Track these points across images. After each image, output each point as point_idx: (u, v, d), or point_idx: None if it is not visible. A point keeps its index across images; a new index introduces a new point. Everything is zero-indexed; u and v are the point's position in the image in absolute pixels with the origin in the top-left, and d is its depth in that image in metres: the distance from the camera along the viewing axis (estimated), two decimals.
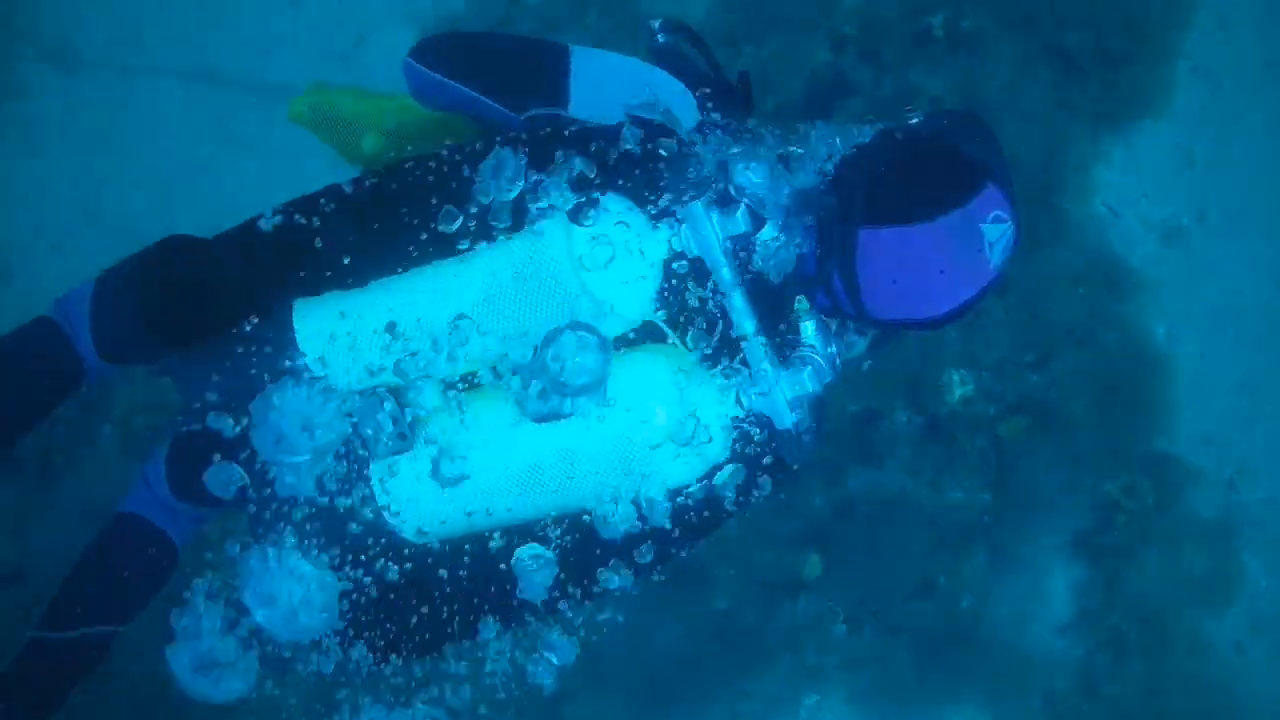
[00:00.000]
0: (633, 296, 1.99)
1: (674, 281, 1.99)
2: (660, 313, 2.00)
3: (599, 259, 1.96)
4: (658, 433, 1.97)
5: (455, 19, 5.10)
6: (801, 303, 2.02)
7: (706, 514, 2.05)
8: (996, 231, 1.92)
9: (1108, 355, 4.73)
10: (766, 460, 2.03)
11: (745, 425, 2.01)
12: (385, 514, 2.01)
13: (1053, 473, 4.66)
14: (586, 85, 2.20)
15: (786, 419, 1.98)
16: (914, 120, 2.04)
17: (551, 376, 1.86)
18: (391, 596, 2.07)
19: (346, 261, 2.04)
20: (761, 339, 1.97)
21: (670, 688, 4.51)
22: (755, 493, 2.06)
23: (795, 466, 2.07)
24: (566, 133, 2.07)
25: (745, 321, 1.97)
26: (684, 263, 1.98)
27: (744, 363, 1.99)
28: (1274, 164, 4.97)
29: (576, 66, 2.21)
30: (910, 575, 4.59)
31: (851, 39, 4.79)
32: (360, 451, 1.98)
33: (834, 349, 2.02)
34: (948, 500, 4.61)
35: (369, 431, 1.96)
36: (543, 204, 1.97)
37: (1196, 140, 4.93)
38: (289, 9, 5.24)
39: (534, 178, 1.97)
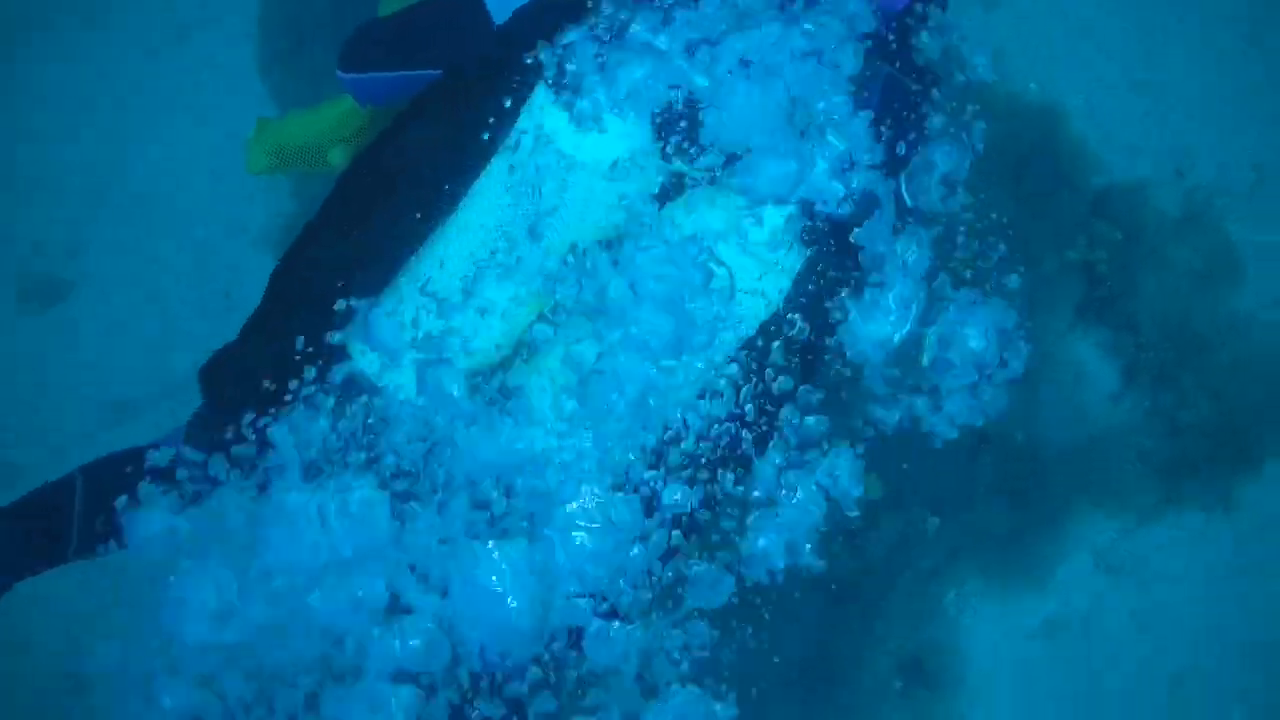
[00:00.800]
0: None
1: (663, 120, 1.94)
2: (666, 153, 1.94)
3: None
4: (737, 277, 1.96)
5: (291, 219, 5.12)
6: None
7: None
8: None
9: (997, 143, 4.66)
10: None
11: (800, 219, 1.99)
12: None
13: (1017, 273, 4.62)
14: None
15: (837, 190, 1.96)
16: None
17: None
18: None
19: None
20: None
21: (821, 668, 4.57)
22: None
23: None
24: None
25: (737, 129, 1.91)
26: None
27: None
28: None
29: None
30: (960, 446, 4.57)
31: None
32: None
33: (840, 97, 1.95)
34: None
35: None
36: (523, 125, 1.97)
37: None
38: (148, 306, 5.32)
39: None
